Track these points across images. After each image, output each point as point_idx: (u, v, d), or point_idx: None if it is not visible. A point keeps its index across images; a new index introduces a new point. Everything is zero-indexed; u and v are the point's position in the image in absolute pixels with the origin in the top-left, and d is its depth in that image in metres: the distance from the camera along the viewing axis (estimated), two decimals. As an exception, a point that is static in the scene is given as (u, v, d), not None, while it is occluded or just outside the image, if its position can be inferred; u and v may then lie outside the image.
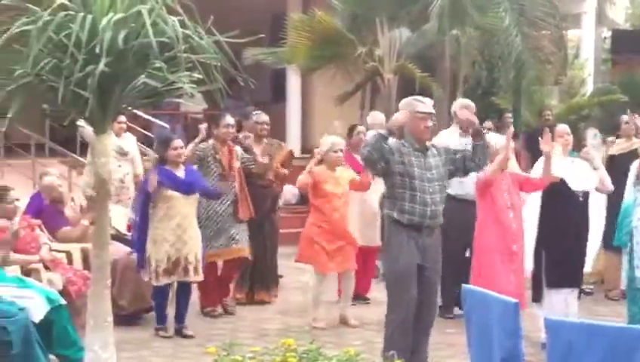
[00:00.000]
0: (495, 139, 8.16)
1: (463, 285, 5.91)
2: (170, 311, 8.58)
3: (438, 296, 7.27)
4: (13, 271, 7.65)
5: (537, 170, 8.29)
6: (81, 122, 5.86)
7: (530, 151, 11.68)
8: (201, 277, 8.46)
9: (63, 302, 7.32)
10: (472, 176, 7.89)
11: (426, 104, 7.06)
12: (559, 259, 8.08)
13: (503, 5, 13.69)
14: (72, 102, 5.49)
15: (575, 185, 8.11)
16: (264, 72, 15.54)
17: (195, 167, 8.96)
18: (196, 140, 9.28)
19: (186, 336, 8.31)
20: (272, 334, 8.37)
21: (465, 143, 8.02)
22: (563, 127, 8.65)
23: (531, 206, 8.69)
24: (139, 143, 12.62)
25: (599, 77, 19.66)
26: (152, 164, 8.85)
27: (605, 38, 20.78)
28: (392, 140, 6.99)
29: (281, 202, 10.66)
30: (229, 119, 9.38)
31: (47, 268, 8.05)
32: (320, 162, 8.89)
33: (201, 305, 9.20)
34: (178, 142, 8.53)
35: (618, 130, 11.30)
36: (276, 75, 17.68)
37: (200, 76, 5.81)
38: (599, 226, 9.92)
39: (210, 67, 5.82)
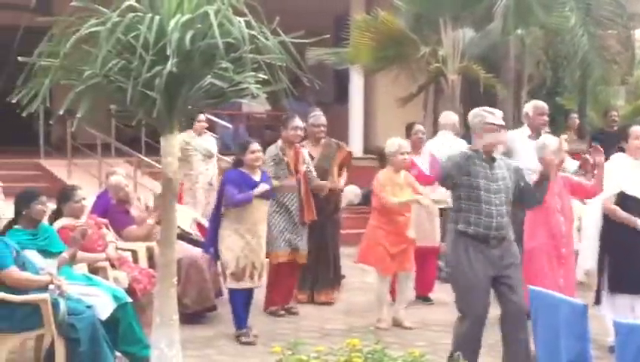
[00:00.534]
0: (549, 141, 7.95)
1: (530, 287, 5.85)
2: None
3: (521, 297, 7.01)
4: (81, 269, 7.76)
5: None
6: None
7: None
8: (262, 284, 8.45)
9: (129, 299, 7.39)
10: None
11: (495, 115, 6.88)
12: (624, 264, 7.94)
13: (568, 4, 13.57)
14: (139, 103, 5.55)
15: (635, 191, 7.91)
16: (327, 72, 15.57)
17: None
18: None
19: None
20: (335, 334, 8.37)
21: (531, 147, 7.96)
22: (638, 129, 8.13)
23: (593, 208, 8.59)
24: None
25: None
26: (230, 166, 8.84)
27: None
28: (459, 150, 6.92)
29: (343, 203, 10.64)
30: (298, 121, 9.29)
31: (113, 266, 8.14)
32: (383, 164, 8.84)
33: (265, 304, 9.23)
34: (256, 146, 8.40)
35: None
36: (339, 76, 17.71)
37: (265, 77, 5.84)
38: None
39: (276, 68, 5.84)
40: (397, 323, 8.82)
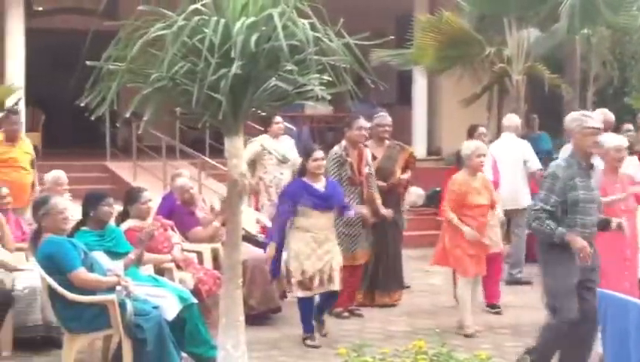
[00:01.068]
0: (607, 139, 7.78)
1: (599, 290, 5.78)
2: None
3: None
4: (147, 270, 7.85)
5: None
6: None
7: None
8: (337, 286, 8.21)
9: (195, 300, 7.45)
10: None
11: (594, 119, 6.77)
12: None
13: (636, 3, 13.38)
14: (205, 105, 5.59)
15: None
16: (390, 73, 15.52)
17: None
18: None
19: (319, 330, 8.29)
20: (398, 336, 8.34)
21: None
22: None
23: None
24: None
25: None
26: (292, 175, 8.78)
27: None
28: (563, 161, 6.79)
29: (406, 204, 10.59)
30: (363, 122, 9.24)
31: (179, 267, 8.22)
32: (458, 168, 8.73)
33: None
34: (319, 154, 8.25)
35: None
36: (402, 77, 17.66)
37: (330, 78, 5.84)
38: None
39: (340, 69, 5.84)
40: (461, 327, 8.66)
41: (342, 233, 8.95)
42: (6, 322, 7.45)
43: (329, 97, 5.80)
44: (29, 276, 7.66)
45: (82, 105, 5.68)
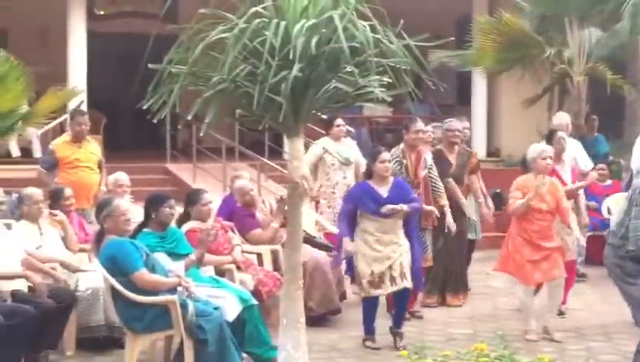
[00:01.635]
0: None
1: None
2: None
3: None
4: (208, 271, 7.90)
5: None
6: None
7: None
8: (409, 284, 8.09)
9: (255, 302, 7.48)
10: None
11: None
12: None
13: (702, 2, 13.13)
14: (265, 108, 5.62)
15: None
16: (449, 74, 15.46)
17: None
18: None
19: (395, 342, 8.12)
20: (459, 338, 8.28)
21: None
22: None
23: None
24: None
25: None
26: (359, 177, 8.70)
27: None
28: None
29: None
30: (420, 124, 9.16)
31: (239, 268, 8.25)
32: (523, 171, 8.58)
33: (388, 307, 9.17)
34: (386, 155, 8.13)
35: None
36: (461, 78, 17.58)
37: (390, 80, 5.84)
38: None
39: (400, 71, 5.83)
40: (546, 333, 8.39)
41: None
42: (69, 322, 7.53)
43: (389, 99, 5.81)
44: (92, 277, 7.75)
45: (144, 107, 5.75)
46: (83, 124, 10.22)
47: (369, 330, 8.17)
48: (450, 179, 9.48)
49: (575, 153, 10.84)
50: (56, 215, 8.37)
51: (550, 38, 13.77)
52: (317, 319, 8.64)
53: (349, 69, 5.72)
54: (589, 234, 10.25)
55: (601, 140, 14.45)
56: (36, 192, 8.22)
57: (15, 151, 15.07)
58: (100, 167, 10.32)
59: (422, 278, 8.82)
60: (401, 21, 5.82)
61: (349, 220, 8.11)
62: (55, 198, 8.63)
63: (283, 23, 5.51)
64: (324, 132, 10.71)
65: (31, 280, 7.19)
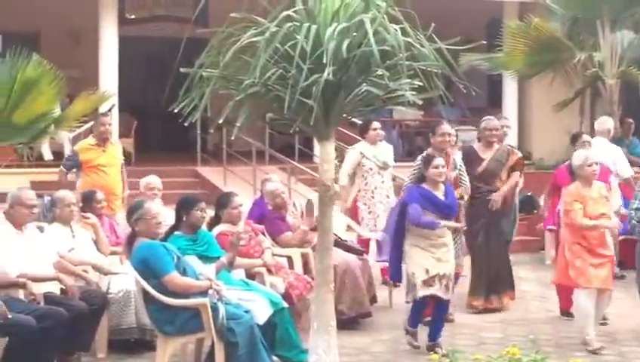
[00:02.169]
0: None
1: None
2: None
3: None
4: (238, 274, 7.92)
5: None
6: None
7: None
8: (450, 296, 8.09)
9: (286, 305, 7.49)
10: None
11: None
12: None
13: None
14: (296, 111, 5.63)
15: None
16: (480, 77, 15.42)
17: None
18: None
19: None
20: (490, 342, 8.24)
21: None
22: None
23: None
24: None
25: None
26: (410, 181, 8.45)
27: None
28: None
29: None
30: (446, 127, 9.05)
31: (269, 272, 8.26)
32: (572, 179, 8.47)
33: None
34: (439, 161, 8.04)
35: None
36: (492, 81, 17.53)
37: (420, 84, 5.83)
38: None
39: (431, 74, 5.83)
40: (584, 343, 8.15)
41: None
42: (101, 324, 7.58)
43: (420, 102, 5.80)
44: (123, 279, 7.79)
45: (175, 111, 5.78)
46: (107, 124, 10.26)
47: (413, 323, 8.09)
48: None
49: (615, 157, 10.76)
50: (88, 218, 8.42)
51: (582, 42, 13.72)
52: (347, 322, 8.62)
53: (379, 72, 5.72)
54: (621, 238, 10.18)
55: (637, 143, 14.37)
56: (68, 195, 8.28)
57: (47, 155, 15.17)
58: (121, 171, 10.35)
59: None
60: (432, 24, 5.82)
61: (416, 220, 7.95)
62: (87, 201, 8.68)
63: (314, 27, 5.53)
64: (350, 133, 10.68)
65: (63, 282, 7.24)
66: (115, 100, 14.48)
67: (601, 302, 8.36)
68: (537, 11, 13.99)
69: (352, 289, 8.75)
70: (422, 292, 7.95)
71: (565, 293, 9.05)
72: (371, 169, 10.36)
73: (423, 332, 8.11)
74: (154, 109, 17.50)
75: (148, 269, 6.85)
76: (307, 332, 6.62)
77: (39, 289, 7.07)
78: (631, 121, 14.29)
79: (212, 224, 8.20)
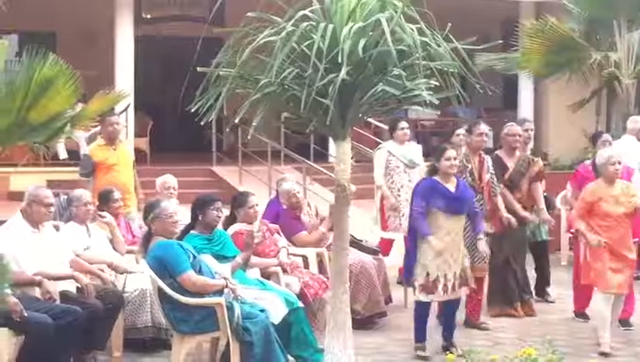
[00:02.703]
0: None
1: None
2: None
3: None
4: (254, 274, 7.92)
5: None
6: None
7: None
8: (459, 294, 8.01)
9: (301, 304, 7.50)
10: None
11: None
12: None
13: None
14: (312, 110, 5.63)
15: None
16: (496, 77, 15.39)
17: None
18: None
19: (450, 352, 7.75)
20: (506, 343, 8.22)
21: None
22: None
23: None
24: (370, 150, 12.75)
25: None
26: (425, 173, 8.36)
27: None
28: None
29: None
30: (484, 127, 8.97)
31: (285, 271, 8.27)
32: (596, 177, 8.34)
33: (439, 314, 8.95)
34: (452, 153, 7.91)
35: None
36: (508, 81, 17.49)
37: (437, 83, 5.83)
38: None
39: (447, 74, 5.82)
40: (598, 344, 8.06)
41: (469, 244, 8.53)
42: (117, 323, 7.59)
43: (437, 102, 5.79)
44: (139, 278, 7.80)
45: (192, 110, 5.79)
46: (114, 124, 10.27)
47: (420, 337, 7.94)
48: (501, 185, 9.18)
49: None
50: (104, 216, 8.44)
51: (598, 41, 13.67)
52: (363, 322, 8.62)
53: (396, 71, 5.71)
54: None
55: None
56: (85, 194, 8.31)
57: (63, 154, 15.23)
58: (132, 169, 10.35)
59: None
60: (449, 24, 5.81)
61: (424, 217, 7.84)
62: (104, 200, 8.71)
63: (330, 26, 5.53)
64: (365, 133, 10.66)
65: (79, 281, 7.26)
66: (130, 100, 14.53)
67: (617, 305, 8.29)
68: (553, 11, 13.94)
69: (368, 289, 8.75)
70: (419, 296, 7.88)
71: (582, 295, 9.01)
72: (397, 167, 10.33)
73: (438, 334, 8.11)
74: (170, 109, 17.55)
75: (164, 268, 6.85)
76: (322, 331, 6.63)
77: (55, 287, 7.09)
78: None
79: (227, 223, 8.21)
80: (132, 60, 15.88)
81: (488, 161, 8.97)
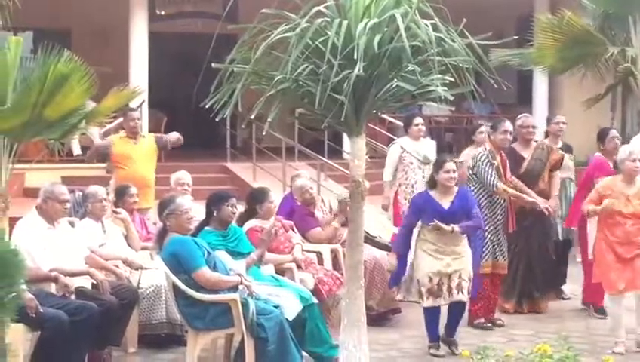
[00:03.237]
0: None
1: None
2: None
3: None
4: (268, 270, 7.93)
5: None
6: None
7: None
8: (465, 297, 7.92)
9: (315, 300, 7.50)
10: None
11: None
12: None
13: None
14: (327, 107, 5.62)
15: None
16: (510, 73, 15.35)
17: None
18: None
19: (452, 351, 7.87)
20: (521, 339, 8.21)
21: None
22: None
23: None
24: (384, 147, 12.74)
25: None
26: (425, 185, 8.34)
27: None
28: None
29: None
30: (509, 125, 8.91)
31: (299, 267, 8.28)
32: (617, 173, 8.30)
33: (469, 318, 8.90)
34: (451, 166, 7.86)
35: None
36: (522, 77, 17.44)
37: (451, 79, 5.81)
38: None
39: (462, 70, 5.80)
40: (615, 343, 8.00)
41: (488, 240, 8.69)
42: (132, 319, 7.61)
43: (452, 98, 5.77)
44: (153, 274, 7.83)
45: (206, 106, 5.79)
46: (136, 119, 10.35)
47: (433, 337, 7.93)
48: (514, 178, 9.15)
49: None
50: (119, 213, 8.47)
51: (613, 37, 13.59)
52: (377, 318, 8.64)
53: (410, 67, 5.70)
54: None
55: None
56: (100, 190, 8.33)
57: (77, 150, 15.26)
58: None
59: (477, 287, 8.50)
60: (464, 20, 5.79)
61: (409, 235, 7.93)
62: (120, 195, 8.74)
63: (345, 22, 5.52)
64: (379, 129, 10.66)
65: (94, 277, 7.28)
66: (145, 96, 14.55)
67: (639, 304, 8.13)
68: (568, 6, 13.88)
69: (382, 285, 8.75)
70: (427, 303, 7.84)
71: (593, 286, 8.95)
72: (412, 163, 10.30)
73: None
74: (183, 105, 17.56)
75: (178, 264, 6.87)
76: (336, 327, 6.62)
77: (71, 283, 7.10)
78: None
79: (242, 219, 8.22)
80: (146, 57, 15.91)
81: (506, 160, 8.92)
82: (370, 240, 9.07)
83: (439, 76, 5.73)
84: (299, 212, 9.25)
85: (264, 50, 5.64)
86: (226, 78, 5.78)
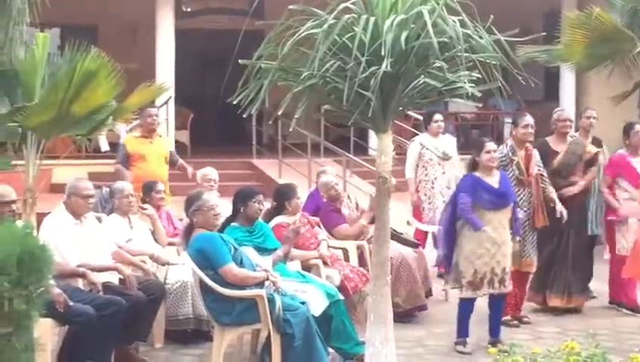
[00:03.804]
0: None
1: None
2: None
3: None
4: (294, 266, 7.94)
5: None
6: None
7: None
8: (507, 289, 7.94)
9: (341, 297, 7.50)
10: None
11: None
12: None
13: None
14: (354, 103, 5.62)
15: None
16: (537, 69, 15.27)
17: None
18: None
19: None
20: (547, 337, 8.19)
21: None
22: None
23: None
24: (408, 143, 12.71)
25: None
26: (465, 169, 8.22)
27: None
28: None
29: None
30: (529, 119, 8.80)
31: (325, 264, 8.28)
32: None
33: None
34: (492, 146, 7.86)
35: None
36: (549, 73, 17.38)
37: (479, 76, 5.79)
38: None
39: (489, 66, 5.78)
40: None
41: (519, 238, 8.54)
42: (158, 315, 7.64)
43: (479, 94, 5.75)
44: (180, 270, 7.86)
45: (234, 103, 5.80)
46: (154, 115, 10.34)
47: (462, 333, 7.90)
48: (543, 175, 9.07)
49: None
50: (145, 209, 8.50)
51: (641, 34, 13.49)
52: (403, 315, 8.61)
53: (438, 64, 5.69)
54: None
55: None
56: (127, 186, 8.37)
57: (104, 146, 15.34)
58: (166, 163, 10.32)
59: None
60: (491, 16, 5.77)
61: (466, 215, 7.74)
62: (148, 191, 8.78)
63: (372, 19, 5.51)
64: (404, 126, 10.64)
65: (121, 272, 7.31)
66: (171, 93, 14.60)
67: None
68: (596, 2, 13.78)
69: (408, 282, 8.73)
70: (466, 293, 7.82)
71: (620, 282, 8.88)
72: (431, 160, 10.29)
73: (479, 328, 8.07)
74: (210, 102, 17.62)
75: (205, 260, 6.89)
76: (362, 324, 6.62)
77: (98, 279, 7.15)
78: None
79: (269, 216, 8.23)
80: (173, 53, 15.97)
81: (536, 154, 8.81)
82: (396, 236, 9.04)
83: (466, 73, 5.72)
84: (324, 208, 9.25)
85: (291, 47, 5.64)
86: (253, 75, 5.79)
